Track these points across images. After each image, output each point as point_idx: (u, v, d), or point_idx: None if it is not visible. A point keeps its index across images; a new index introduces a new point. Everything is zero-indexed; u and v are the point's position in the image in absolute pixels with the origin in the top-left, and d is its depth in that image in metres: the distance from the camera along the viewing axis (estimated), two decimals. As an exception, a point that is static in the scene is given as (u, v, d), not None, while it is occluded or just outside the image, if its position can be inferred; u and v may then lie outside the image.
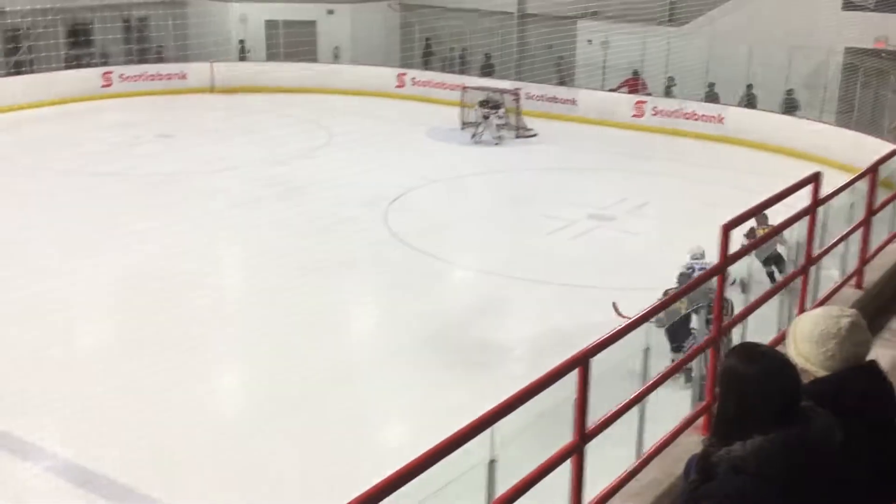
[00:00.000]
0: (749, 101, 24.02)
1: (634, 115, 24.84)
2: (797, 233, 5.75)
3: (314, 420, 9.54)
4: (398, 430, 10.01)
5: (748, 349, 2.80)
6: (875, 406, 2.81)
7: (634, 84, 25.77)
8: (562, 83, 27.52)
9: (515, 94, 24.25)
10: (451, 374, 10.91)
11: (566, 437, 3.86)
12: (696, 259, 12.01)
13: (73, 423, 9.56)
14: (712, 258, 11.53)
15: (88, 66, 27.38)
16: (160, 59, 29.14)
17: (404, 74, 28.85)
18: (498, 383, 10.40)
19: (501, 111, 23.53)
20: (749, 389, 2.61)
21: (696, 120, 24.03)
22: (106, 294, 12.87)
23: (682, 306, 9.28)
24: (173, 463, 8.82)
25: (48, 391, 10.05)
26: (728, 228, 4.45)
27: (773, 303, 5.59)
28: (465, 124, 24.26)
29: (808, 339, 2.88)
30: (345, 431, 9.36)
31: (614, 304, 11.00)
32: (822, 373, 2.84)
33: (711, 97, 24.67)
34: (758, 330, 5.59)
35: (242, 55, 30.01)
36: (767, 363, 2.66)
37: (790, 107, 23.40)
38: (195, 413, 9.77)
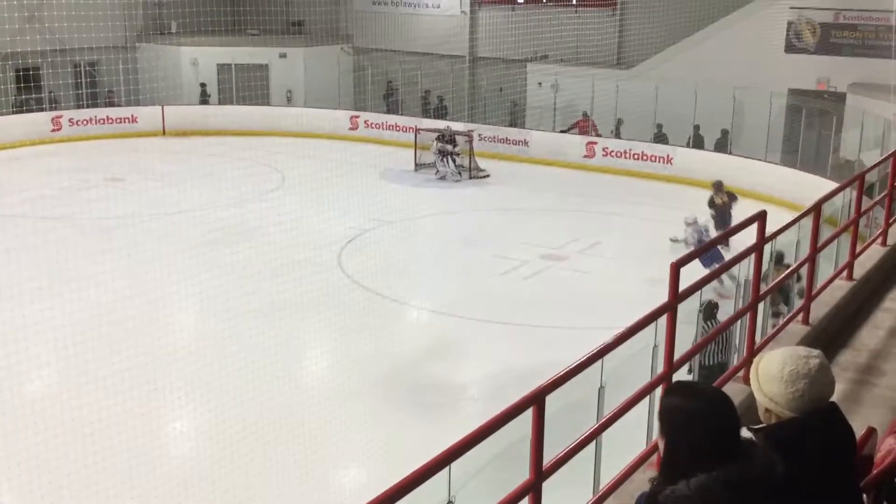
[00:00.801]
0: (696, 142, 24.50)
1: (585, 156, 25.20)
2: (745, 270, 5.87)
3: (269, 463, 9.43)
4: (354, 472, 9.94)
5: (688, 387, 2.83)
6: (837, 450, 2.83)
7: (585, 125, 26.17)
8: (513, 124, 27.86)
9: (469, 135, 24.49)
10: (406, 416, 10.88)
11: (524, 475, 3.88)
12: (691, 224, 14.80)
13: (22, 471, 9.34)
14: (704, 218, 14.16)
15: (37, 110, 27.12)
16: (111, 104, 28.93)
17: (357, 117, 28.98)
18: (454, 423, 10.38)
19: (458, 148, 23.80)
20: (694, 426, 2.62)
21: (645, 160, 24.43)
22: (57, 339, 12.60)
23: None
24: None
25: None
26: (678, 266, 4.54)
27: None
28: (418, 166, 24.42)
29: (775, 378, 2.82)
30: (300, 474, 9.25)
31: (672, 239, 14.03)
32: (787, 413, 2.80)
33: (660, 138, 25.11)
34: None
35: (203, 98, 29.92)
36: (711, 399, 2.69)
37: (720, 146, 23.91)
38: (147, 457, 9.60)
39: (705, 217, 15.76)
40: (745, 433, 2.77)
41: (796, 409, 2.79)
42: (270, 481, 8.93)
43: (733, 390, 5.13)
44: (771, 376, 2.85)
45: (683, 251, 11.26)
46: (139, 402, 10.77)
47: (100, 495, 8.77)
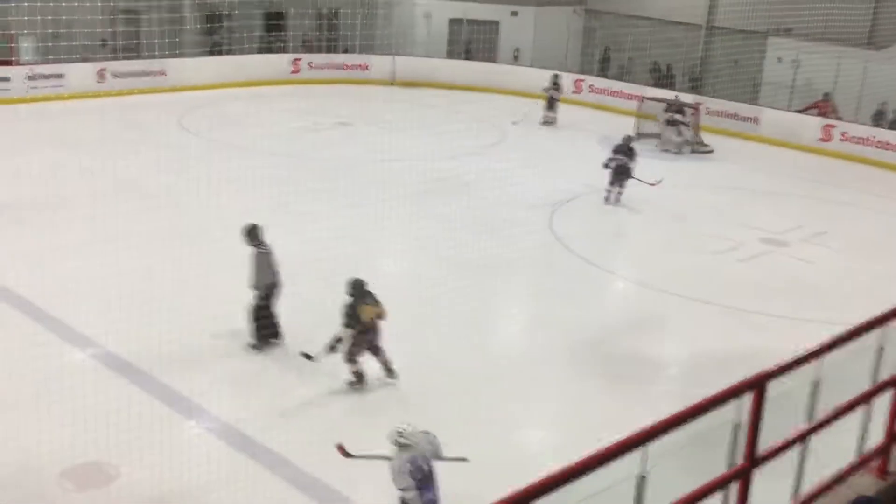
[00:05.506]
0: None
1: (821, 139, 23.70)
2: None
3: (460, 416, 9.55)
4: (544, 434, 9.91)
5: None
6: None
7: (824, 107, 24.56)
8: (745, 100, 26.59)
9: (695, 108, 23.62)
10: (601, 385, 10.74)
11: (717, 460, 3.71)
12: None
13: (232, 387, 10.02)
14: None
15: (280, 51, 28.64)
16: (346, 50, 30.09)
17: (582, 80, 28.61)
18: (647, 399, 10.15)
19: (687, 119, 23.03)
20: None
21: (889, 150, 22.67)
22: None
23: None
24: (320, 441, 9.04)
25: (213, 360, 10.56)
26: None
27: None
28: (639, 135, 23.83)
29: None
30: (490, 430, 9.33)
31: None
32: None
33: (879, 117, 23.28)
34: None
35: (467, 55, 30.55)
36: None
37: None
38: (351, 394, 10.00)
39: None
40: None
41: None
42: (460, 434, 8.94)
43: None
44: None
45: None
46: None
47: (297, 421, 9.22)
